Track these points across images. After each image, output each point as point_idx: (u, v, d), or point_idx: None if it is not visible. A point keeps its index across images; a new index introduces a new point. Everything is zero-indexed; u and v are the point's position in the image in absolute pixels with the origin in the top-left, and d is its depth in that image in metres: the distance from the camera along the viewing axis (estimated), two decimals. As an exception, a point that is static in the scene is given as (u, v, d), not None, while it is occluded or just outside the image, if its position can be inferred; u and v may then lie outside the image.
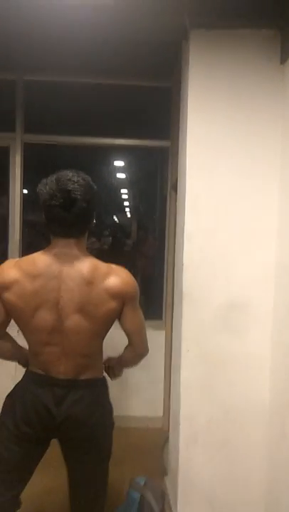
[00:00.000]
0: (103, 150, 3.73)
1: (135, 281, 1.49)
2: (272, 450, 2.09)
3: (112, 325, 1.51)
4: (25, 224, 3.45)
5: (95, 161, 4.24)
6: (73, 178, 1.37)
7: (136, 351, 1.55)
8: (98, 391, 1.50)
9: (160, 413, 3.29)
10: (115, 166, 5.48)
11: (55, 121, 3.41)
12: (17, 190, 3.30)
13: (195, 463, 2.15)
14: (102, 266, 1.44)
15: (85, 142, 3.36)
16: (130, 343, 1.54)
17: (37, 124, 3.32)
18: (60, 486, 2.17)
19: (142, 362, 3.44)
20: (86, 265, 1.41)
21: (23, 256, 3.43)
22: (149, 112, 3.45)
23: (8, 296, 1.40)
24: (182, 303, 2.12)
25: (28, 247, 3.41)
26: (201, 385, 2.13)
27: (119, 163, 5.45)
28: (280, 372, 2.03)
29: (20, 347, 1.56)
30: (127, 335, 1.52)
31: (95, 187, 1.44)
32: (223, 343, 2.12)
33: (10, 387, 3.45)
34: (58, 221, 1.38)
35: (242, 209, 2.10)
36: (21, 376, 3.43)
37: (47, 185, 1.38)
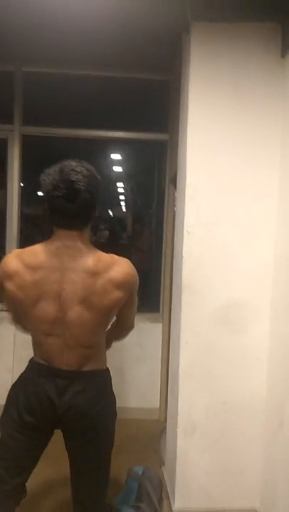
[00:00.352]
0: (100, 143, 3.73)
1: (136, 272, 1.49)
2: (268, 441, 2.12)
3: (114, 316, 1.52)
4: (23, 217, 3.45)
5: (91, 153, 4.22)
6: (77, 169, 1.36)
7: (125, 328, 1.64)
8: (101, 382, 1.50)
9: (156, 405, 3.32)
10: (112, 159, 5.48)
11: (53, 113, 3.39)
12: (15, 183, 3.28)
13: (192, 453, 2.18)
14: (106, 257, 1.45)
15: (82, 134, 3.35)
16: (119, 324, 1.61)
17: (35, 116, 3.31)
18: (59, 476, 2.22)
19: (139, 354, 3.47)
20: (89, 257, 1.41)
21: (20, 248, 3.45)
22: (146, 105, 3.44)
23: (10, 286, 1.41)
24: (181, 295, 2.14)
25: (25, 240, 3.41)
26: (199, 377, 2.16)
27: (116, 156, 5.45)
28: (277, 364, 2.06)
29: None
30: (120, 320, 1.59)
31: (99, 177, 1.43)
32: (221, 335, 2.14)
33: (7, 379, 3.45)
34: (60, 212, 1.38)
35: (242, 202, 2.11)
36: (19, 368, 3.43)
37: (50, 176, 1.37)
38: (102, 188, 1.47)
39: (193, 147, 2.10)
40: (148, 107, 3.44)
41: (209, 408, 2.16)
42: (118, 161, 5.56)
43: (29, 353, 3.53)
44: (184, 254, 2.13)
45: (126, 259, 1.48)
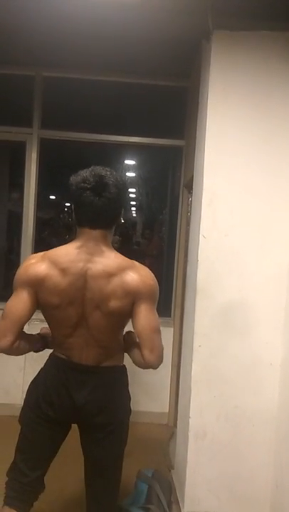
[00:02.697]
0: (114, 148, 3.77)
1: (155, 283, 1.45)
2: (279, 446, 2.12)
3: (129, 319, 1.48)
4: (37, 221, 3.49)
5: (105, 159, 4.27)
6: (107, 169, 1.42)
7: (144, 359, 1.41)
8: (119, 378, 1.53)
9: (166, 409, 3.32)
10: (126, 165, 5.52)
11: (71, 117, 3.45)
12: (32, 187, 3.33)
13: (203, 457, 2.18)
14: (125, 261, 1.44)
15: (99, 139, 3.39)
16: (140, 348, 1.43)
17: (53, 120, 3.36)
18: (69, 475, 2.24)
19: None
20: (109, 261, 1.41)
21: (35, 252, 3.49)
22: (162, 111, 3.48)
23: (40, 290, 1.41)
24: (195, 299, 2.16)
25: (39, 244, 3.45)
26: (211, 380, 2.16)
27: (129, 161, 5.49)
28: (290, 369, 2.06)
29: (29, 337, 1.53)
30: (139, 338, 1.44)
31: (126, 185, 1.47)
32: (234, 339, 2.15)
33: (19, 378, 3.49)
34: (87, 206, 1.38)
35: (258, 208, 2.13)
36: (30, 368, 3.46)
37: (80, 174, 1.41)
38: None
39: (211, 153, 2.13)
40: (164, 113, 3.47)
41: (221, 412, 2.16)
42: (131, 166, 5.60)
43: (41, 353, 3.55)
44: (199, 258, 2.15)
45: (146, 267, 1.47)
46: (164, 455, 2.80)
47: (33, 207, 3.36)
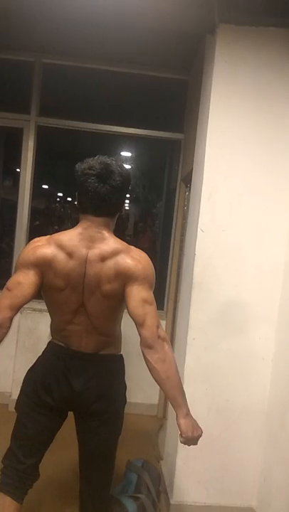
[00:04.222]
0: (111, 139, 3.74)
1: (148, 265, 1.42)
2: (269, 441, 2.16)
3: (124, 307, 1.46)
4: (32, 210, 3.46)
5: (101, 149, 4.25)
6: (112, 159, 1.42)
7: (141, 337, 1.34)
8: (116, 366, 1.55)
9: (155, 401, 3.35)
10: (122, 156, 5.49)
11: (69, 106, 3.41)
12: (28, 175, 3.29)
13: (193, 449, 2.18)
14: (121, 245, 1.43)
15: (98, 129, 3.35)
16: (136, 327, 1.37)
17: (51, 107, 3.32)
18: (61, 463, 2.24)
19: (140, 349, 3.53)
20: (106, 246, 1.41)
21: (29, 241, 3.46)
22: (161, 104, 3.46)
23: (47, 271, 1.40)
24: (191, 292, 2.17)
25: (34, 233, 3.42)
26: (203, 373, 2.18)
27: (125, 153, 5.46)
28: (282, 365, 2.09)
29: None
30: (132, 317, 1.37)
31: (130, 176, 1.47)
32: (228, 333, 2.17)
33: (10, 367, 3.48)
34: (91, 193, 1.39)
35: (257, 204, 2.14)
36: (21, 357, 3.44)
37: (86, 161, 1.42)
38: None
39: (212, 148, 2.13)
40: (163, 105, 3.46)
41: (212, 405, 2.19)
42: (128, 158, 5.57)
43: (32, 342, 3.55)
44: (196, 252, 2.16)
45: (142, 251, 1.46)
46: (153, 446, 2.82)
47: (28, 196, 3.33)
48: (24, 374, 1.58)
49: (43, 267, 1.40)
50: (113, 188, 1.40)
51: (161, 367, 1.33)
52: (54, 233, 1.48)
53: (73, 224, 1.50)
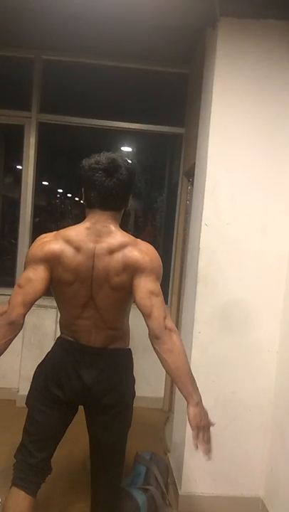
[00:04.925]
0: (111, 134, 3.75)
1: (155, 257, 1.44)
2: (275, 431, 2.18)
3: (132, 299, 1.49)
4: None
5: (101, 145, 4.25)
6: (118, 154, 1.45)
7: (149, 329, 1.36)
8: (125, 360, 1.57)
9: (161, 394, 3.38)
10: (123, 152, 5.49)
11: (70, 102, 3.41)
12: (30, 172, 3.29)
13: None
14: (128, 239, 1.45)
15: (99, 125, 3.36)
16: (144, 319, 1.38)
17: (52, 104, 3.32)
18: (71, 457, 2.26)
19: (146, 344, 3.55)
20: (114, 240, 1.43)
21: (33, 238, 3.45)
22: (161, 98, 3.45)
23: (56, 266, 1.42)
24: (196, 286, 2.18)
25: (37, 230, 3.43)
26: (210, 366, 2.20)
27: (126, 148, 5.45)
28: (287, 357, 2.11)
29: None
30: (139, 308, 1.39)
31: (136, 170, 1.49)
32: (233, 326, 2.19)
33: (16, 363, 3.50)
34: (97, 187, 1.41)
35: (260, 198, 2.15)
36: (27, 353, 3.47)
37: (92, 156, 1.44)
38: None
39: (215, 141, 2.14)
40: (163, 100, 3.45)
41: (219, 397, 2.21)
42: (128, 153, 5.56)
43: (38, 338, 3.58)
44: (200, 247, 2.17)
45: (149, 244, 1.47)
46: (160, 439, 2.85)
47: (31, 193, 3.33)
48: (30, 370, 1.60)
49: (52, 262, 1.42)
50: (120, 181, 1.42)
51: (170, 357, 1.36)
52: (56, 229, 1.50)
53: (74, 220, 1.51)
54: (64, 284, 1.45)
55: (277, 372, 2.20)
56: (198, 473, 2.24)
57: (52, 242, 1.43)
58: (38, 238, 1.49)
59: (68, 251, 1.42)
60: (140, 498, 2.06)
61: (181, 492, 2.23)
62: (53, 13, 2.58)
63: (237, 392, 2.22)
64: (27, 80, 3.25)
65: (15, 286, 1.43)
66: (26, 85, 3.25)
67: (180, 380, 1.38)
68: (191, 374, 1.40)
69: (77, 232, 1.44)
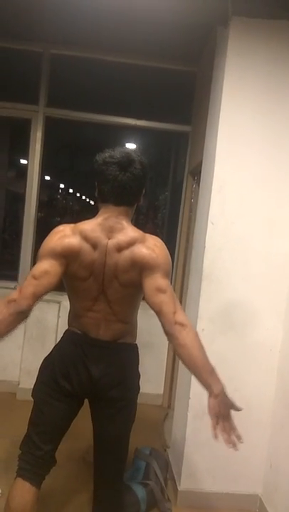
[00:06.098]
0: (116, 131, 3.75)
1: (163, 253, 1.44)
2: (275, 429, 2.20)
3: (142, 293, 1.49)
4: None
5: (105, 141, 4.25)
6: (131, 149, 1.46)
7: (163, 325, 1.36)
8: (132, 355, 1.59)
9: (160, 391, 3.39)
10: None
11: (77, 97, 3.41)
12: (36, 167, 3.29)
13: (201, 437, 2.24)
14: (137, 234, 1.45)
15: (106, 120, 3.36)
16: (160, 321, 1.38)
17: (59, 98, 3.32)
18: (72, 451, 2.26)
19: (147, 340, 3.56)
20: (124, 236, 1.44)
21: (37, 233, 3.42)
22: (168, 96, 3.46)
23: (73, 262, 1.42)
24: (201, 284, 2.19)
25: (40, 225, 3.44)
26: (212, 363, 2.21)
27: (131, 145, 5.45)
28: (290, 355, 2.12)
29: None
30: (150, 306, 1.40)
31: (148, 166, 1.49)
32: (237, 324, 2.20)
33: (18, 357, 3.51)
34: (111, 181, 1.41)
35: (266, 199, 2.16)
36: (29, 347, 3.47)
37: (106, 151, 1.45)
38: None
39: (223, 140, 2.14)
40: (170, 97, 3.45)
41: (220, 395, 2.22)
42: (135, 151, 5.56)
43: (40, 332, 3.58)
44: (206, 245, 2.18)
45: (157, 239, 1.47)
46: (160, 435, 2.87)
47: (36, 187, 3.33)
48: (31, 363, 1.62)
49: (70, 257, 1.42)
50: (134, 176, 1.42)
51: (183, 351, 1.37)
52: (56, 225, 1.49)
53: (74, 216, 1.52)
54: (78, 279, 1.46)
55: (278, 370, 2.21)
56: (197, 470, 2.26)
57: (71, 237, 1.43)
58: (55, 230, 1.47)
59: (86, 248, 1.42)
60: (140, 492, 2.09)
61: (180, 488, 2.25)
62: (64, 7, 2.57)
63: (239, 390, 2.21)
64: (35, 73, 3.24)
65: (28, 277, 1.42)
66: (34, 79, 3.25)
67: (197, 373, 1.39)
68: (209, 365, 1.40)
69: (92, 227, 1.44)
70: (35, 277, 1.40)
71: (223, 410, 1.36)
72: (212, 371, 1.39)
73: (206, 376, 1.38)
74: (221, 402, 1.37)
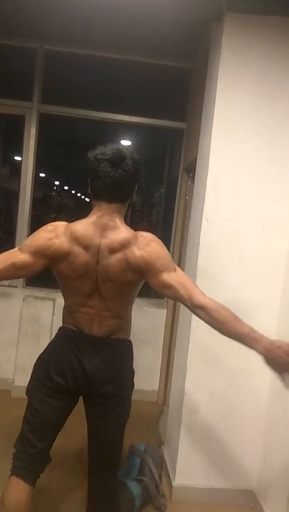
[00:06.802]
0: (110, 127, 3.74)
1: (156, 250, 1.43)
2: (269, 425, 2.21)
3: (137, 289, 1.53)
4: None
5: (99, 138, 4.23)
6: (123, 146, 1.46)
7: (188, 301, 1.40)
8: (126, 351, 1.58)
9: (155, 387, 3.40)
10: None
11: (71, 93, 3.39)
12: (30, 163, 3.27)
13: (196, 433, 2.25)
14: (130, 235, 1.44)
15: (101, 117, 3.34)
16: (182, 301, 1.42)
17: (53, 95, 3.30)
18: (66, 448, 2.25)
19: (142, 337, 3.54)
20: (117, 236, 1.44)
21: (31, 230, 3.41)
22: (163, 92, 3.44)
23: (61, 263, 1.44)
24: (196, 280, 2.19)
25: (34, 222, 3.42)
26: (206, 360, 2.22)
27: (125, 142, 5.44)
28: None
29: None
30: (173, 297, 1.46)
31: (141, 162, 1.49)
32: (231, 321, 2.20)
33: (12, 354, 3.50)
34: (103, 178, 1.42)
35: (261, 194, 2.16)
36: (24, 344, 3.45)
37: (97, 148, 1.45)
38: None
39: (218, 137, 2.14)
40: (165, 94, 3.44)
41: (214, 391, 2.23)
42: (127, 147, 5.55)
43: (35, 329, 3.57)
44: (200, 241, 2.18)
45: (149, 237, 1.46)
46: (154, 431, 2.88)
47: (30, 185, 3.31)
48: (26, 361, 1.62)
49: (56, 258, 1.44)
50: (126, 172, 1.42)
51: (213, 325, 1.44)
52: (50, 222, 1.50)
53: (70, 213, 1.52)
54: (70, 278, 1.47)
55: (272, 367, 2.22)
56: (192, 466, 2.26)
57: (62, 238, 1.43)
58: (48, 228, 1.46)
59: (77, 251, 1.43)
60: (135, 488, 2.09)
61: (174, 484, 2.26)
62: (58, 3, 2.56)
63: (232, 386, 2.24)
64: (29, 70, 3.22)
65: (9, 256, 1.44)
66: (28, 75, 3.23)
67: (237, 340, 1.44)
68: (244, 328, 1.43)
69: (84, 227, 1.45)
70: (14, 265, 1.42)
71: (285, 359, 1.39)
72: (248, 331, 1.43)
73: (246, 338, 1.43)
74: (277, 351, 1.40)
